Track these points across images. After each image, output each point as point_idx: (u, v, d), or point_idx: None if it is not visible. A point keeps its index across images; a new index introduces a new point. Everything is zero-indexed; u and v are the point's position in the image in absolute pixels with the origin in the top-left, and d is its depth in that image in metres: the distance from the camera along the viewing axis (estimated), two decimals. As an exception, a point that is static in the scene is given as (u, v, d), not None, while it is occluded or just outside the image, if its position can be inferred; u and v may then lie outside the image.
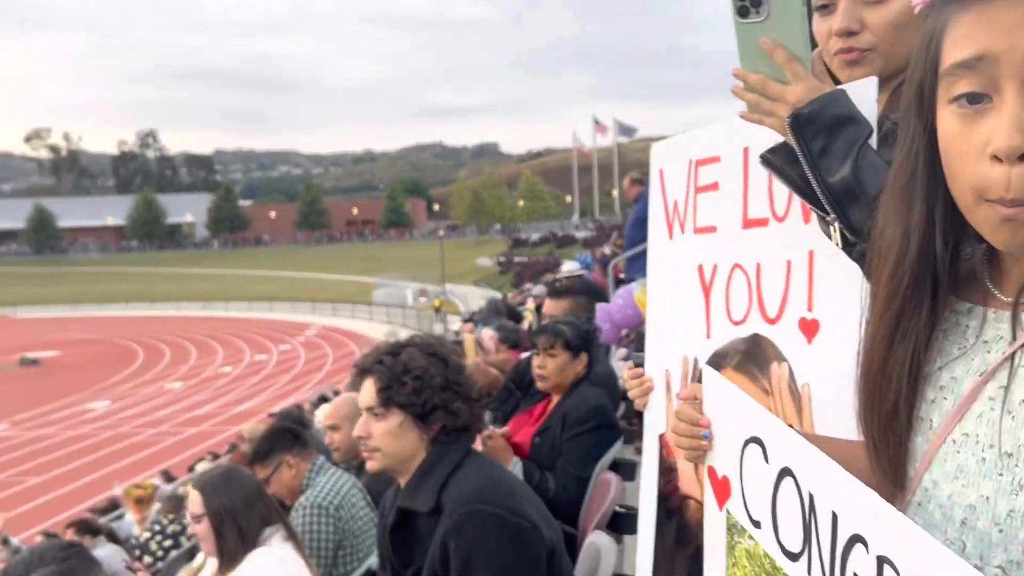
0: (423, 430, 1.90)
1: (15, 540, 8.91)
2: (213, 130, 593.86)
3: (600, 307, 5.40)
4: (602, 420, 2.89)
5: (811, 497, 0.77)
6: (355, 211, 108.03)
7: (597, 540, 2.26)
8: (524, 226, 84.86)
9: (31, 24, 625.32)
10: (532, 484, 2.70)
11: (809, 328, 1.25)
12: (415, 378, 1.88)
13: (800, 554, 0.80)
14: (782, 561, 0.85)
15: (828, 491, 0.75)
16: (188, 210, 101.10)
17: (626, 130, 64.90)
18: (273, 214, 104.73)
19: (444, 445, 1.90)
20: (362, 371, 1.96)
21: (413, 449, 1.90)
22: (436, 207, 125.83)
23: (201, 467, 12.82)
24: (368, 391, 1.92)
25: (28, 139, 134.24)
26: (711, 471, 0.99)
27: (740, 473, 0.91)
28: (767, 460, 0.86)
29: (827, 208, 1.05)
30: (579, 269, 8.89)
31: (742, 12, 1.07)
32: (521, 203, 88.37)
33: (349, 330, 42.94)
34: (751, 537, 0.91)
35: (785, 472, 0.82)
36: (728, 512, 0.96)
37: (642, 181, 7.53)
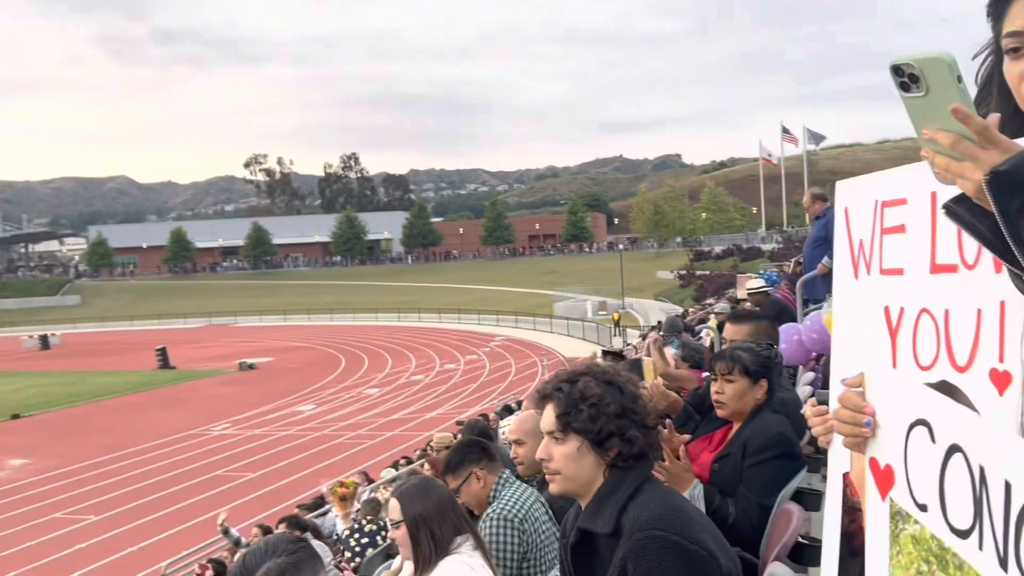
0: (600, 456, 1.96)
1: (234, 530, 9.87)
2: (408, 151, 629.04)
3: (788, 326, 5.23)
4: (785, 449, 2.83)
5: (982, 470, 0.78)
6: (537, 226, 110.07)
7: (777, 571, 2.24)
8: (706, 238, 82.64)
9: (250, 60, 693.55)
10: (712, 508, 2.70)
11: (1001, 380, 1.21)
12: (591, 405, 1.96)
13: (970, 531, 0.81)
14: (951, 541, 0.85)
15: (999, 461, 0.75)
16: (385, 227, 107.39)
17: (816, 138, 61.67)
18: (461, 230, 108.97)
19: (622, 471, 1.96)
20: (543, 396, 2.06)
21: (591, 474, 1.97)
22: (616, 220, 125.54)
23: (386, 473, 13.61)
24: (548, 416, 2.02)
25: (247, 164, 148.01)
26: (873, 462, 1.00)
27: (905, 458, 0.92)
28: (934, 440, 0.87)
29: None
30: (764, 285, 8.57)
31: (904, 87, 1.06)
32: (704, 215, 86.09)
33: (531, 342, 43.78)
34: (916, 522, 0.91)
35: (954, 449, 0.83)
36: (891, 500, 0.97)
37: (824, 197, 7.12)
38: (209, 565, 9.67)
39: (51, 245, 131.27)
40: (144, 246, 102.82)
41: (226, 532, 9.63)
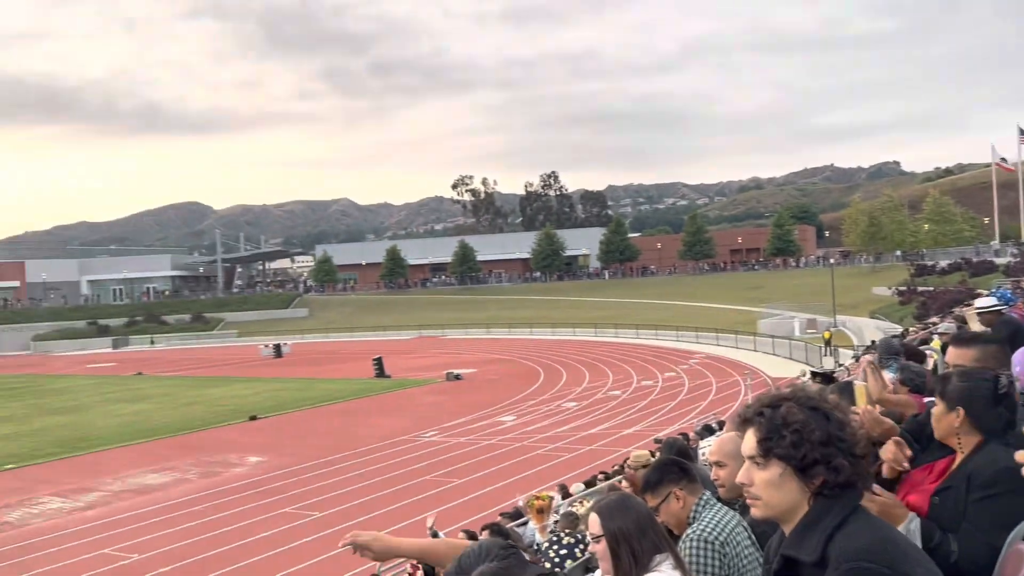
0: (804, 483, 1.91)
1: (442, 534, 10.37)
2: (606, 168, 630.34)
3: (1021, 352, 4.76)
4: (1016, 484, 2.59)
5: None
6: (739, 239, 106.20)
7: (1007, 618, 2.08)
8: (929, 252, 75.83)
9: (458, 86, 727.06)
10: (931, 544, 2.54)
11: None
12: (794, 432, 1.91)
13: None
14: None
15: None
16: (583, 243, 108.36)
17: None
18: (659, 245, 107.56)
19: (828, 499, 1.90)
20: (744, 420, 2.04)
21: (795, 501, 1.93)
22: (827, 233, 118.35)
23: (575, 488, 13.72)
24: (750, 440, 1.99)
25: (454, 186, 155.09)
26: None
27: None
28: None
29: None
30: (996, 304, 7.80)
31: None
32: (926, 226, 79.06)
33: (733, 360, 42.34)
34: None
35: None
36: None
37: None
38: (420, 566, 10.22)
39: (284, 262, 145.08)
40: (363, 263, 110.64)
41: (435, 535, 10.14)
